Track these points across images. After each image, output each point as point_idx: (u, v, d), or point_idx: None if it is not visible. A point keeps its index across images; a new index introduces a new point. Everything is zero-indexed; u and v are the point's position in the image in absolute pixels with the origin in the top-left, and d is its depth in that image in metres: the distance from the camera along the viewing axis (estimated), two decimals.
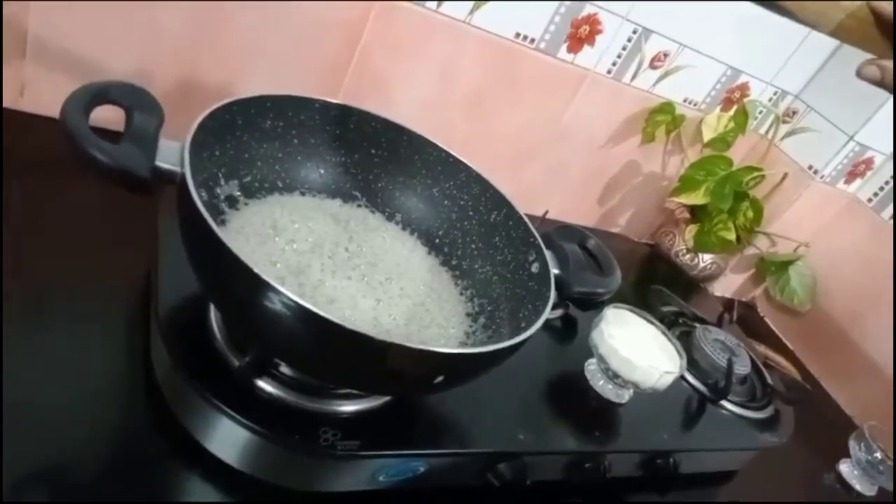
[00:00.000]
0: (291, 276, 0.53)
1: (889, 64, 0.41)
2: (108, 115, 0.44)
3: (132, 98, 0.44)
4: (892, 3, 0.39)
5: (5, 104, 0.70)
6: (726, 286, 1.26)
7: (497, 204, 0.63)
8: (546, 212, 0.94)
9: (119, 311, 0.57)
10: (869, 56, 0.42)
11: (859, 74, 0.42)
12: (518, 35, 0.85)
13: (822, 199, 1.14)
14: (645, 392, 0.68)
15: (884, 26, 0.39)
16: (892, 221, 1.08)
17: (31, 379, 0.48)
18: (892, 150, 1.08)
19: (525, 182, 1.03)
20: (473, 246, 0.65)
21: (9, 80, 0.68)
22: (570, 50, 0.90)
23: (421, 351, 0.43)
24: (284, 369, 0.51)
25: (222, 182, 0.54)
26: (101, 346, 0.54)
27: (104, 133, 0.41)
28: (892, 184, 1.10)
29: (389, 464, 0.52)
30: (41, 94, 0.70)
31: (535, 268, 0.58)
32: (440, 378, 0.46)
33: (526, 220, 0.61)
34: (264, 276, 0.38)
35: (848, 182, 1.14)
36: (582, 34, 0.88)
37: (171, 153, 0.43)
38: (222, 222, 0.54)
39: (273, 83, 0.78)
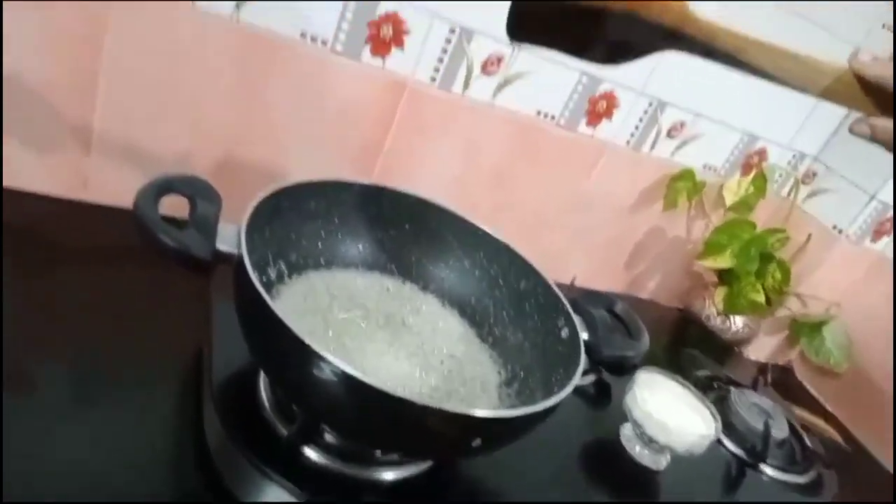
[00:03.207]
0: (334, 346, 0.56)
1: (878, 122, 0.43)
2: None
3: (194, 188, 0.49)
4: (871, 65, 0.42)
5: (70, 195, 0.76)
6: (760, 349, 1.25)
7: (525, 273, 0.66)
8: (574, 278, 0.97)
9: (172, 385, 0.60)
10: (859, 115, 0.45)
11: (852, 131, 0.45)
12: (539, 113, 0.90)
13: (850, 258, 1.14)
14: (682, 457, 0.68)
15: (867, 87, 0.42)
16: None
17: (87, 449, 0.51)
18: None
19: (551, 250, 1.06)
20: (505, 313, 0.67)
21: (72, 173, 0.75)
22: (589, 124, 0.94)
23: (458, 414, 0.45)
24: (329, 438, 0.53)
25: (271, 260, 0.59)
26: (155, 418, 0.56)
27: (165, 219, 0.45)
28: None
29: None
30: (104, 185, 0.77)
31: (564, 333, 0.61)
32: (477, 441, 0.48)
33: (554, 286, 0.64)
34: (315, 347, 0.42)
35: (875, 240, 1.14)
36: (600, 109, 0.93)
37: (229, 236, 0.48)
38: (271, 297, 0.57)
39: (311, 164, 0.83)
